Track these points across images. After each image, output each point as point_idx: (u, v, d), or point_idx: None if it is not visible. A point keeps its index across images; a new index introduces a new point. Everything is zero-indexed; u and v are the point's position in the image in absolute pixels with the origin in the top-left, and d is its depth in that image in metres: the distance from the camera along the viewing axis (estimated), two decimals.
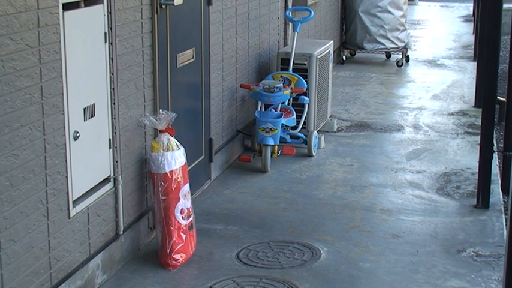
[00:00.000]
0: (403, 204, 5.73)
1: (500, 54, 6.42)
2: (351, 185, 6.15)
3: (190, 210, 4.76)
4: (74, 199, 4.04)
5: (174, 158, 4.62)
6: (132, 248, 4.76)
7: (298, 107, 6.90)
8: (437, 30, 15.37)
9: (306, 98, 6.89)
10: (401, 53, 11.46)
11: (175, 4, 4.91)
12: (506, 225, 5.19)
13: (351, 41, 11.47)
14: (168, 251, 4.60)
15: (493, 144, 5.72)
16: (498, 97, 7.11)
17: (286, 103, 6.84)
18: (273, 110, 6.64)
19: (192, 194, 4.95)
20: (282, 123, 6.55)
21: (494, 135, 5.94)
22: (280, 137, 6.53)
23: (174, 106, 5.22)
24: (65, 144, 3.91)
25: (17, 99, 3.49)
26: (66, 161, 3.93)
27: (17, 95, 3.48)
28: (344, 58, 11.52)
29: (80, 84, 4.02)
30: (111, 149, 4.42)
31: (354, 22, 11.29)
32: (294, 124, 6.81)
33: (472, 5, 16.93)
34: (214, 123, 6.06)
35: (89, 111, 4.14)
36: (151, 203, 4.71)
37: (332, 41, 8.04)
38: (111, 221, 4.48)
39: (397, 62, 11.36)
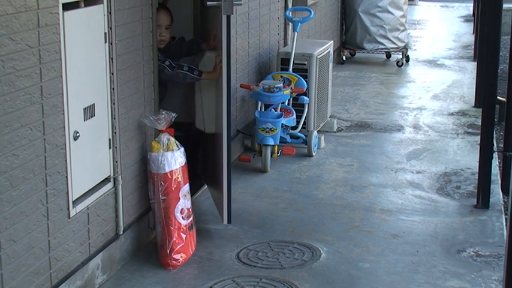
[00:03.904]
0: (403, 204, 5.73)
1: (500, 54, 6.42)
2: (351, 185, 6.15)
3: (190, 210, 4.76)
4: (74, 199, 4.04)
5: (174, 158, 4.62)
6: (132, 248, 4.76)
7: (298, 107, 6.89)
8: (437, 30, 15.37)
9: (306, 98, 6.89)
10: (401, 53, 11.46)
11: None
12: (506, 225, 5.19)
13: (351, 41, 11.47)
14: (168, 251, 4.60)
15: (493, 144, 5.72)
16: (498, 97, 7.12)
17: (286, 103, 6.84)
18: (273, 110, 6.64)
19: (192, 194, 4.95)
20: (282, 123, 6.55)
21: (494, 135, 5.94)
22: (280, 137, 6.53)
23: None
24: (65, 144, 3.91)
25: (17, 99, 3.49)
26: (66, 161, 3.93)
27: (17, 95, 3.48)
28: (344, 58, 11.52)
29: (80, 84, 4.02)
30: (111, 149, 4.42)
31: (354, 22, 11.29)
32: (294, 124, 6.81)
33: (472, 5, 16.93)
34: None
35: (89, 111, 4.14)
36: (151, 203, 4.71)
37: (332, 41, 8.04)
38: (111, 221, 4.48)
39: (397, 62, 11.36)
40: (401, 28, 11.33)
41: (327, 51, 7.56)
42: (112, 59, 4.34)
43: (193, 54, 5.43)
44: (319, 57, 7.22)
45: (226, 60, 4.67)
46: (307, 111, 6.99)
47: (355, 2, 11.23)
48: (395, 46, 11.33)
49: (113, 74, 4.36)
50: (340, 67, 11.12)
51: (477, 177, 5.78)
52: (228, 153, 4.77)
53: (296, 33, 7.20)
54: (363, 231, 5.24)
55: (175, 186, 4.61)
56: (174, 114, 4.68)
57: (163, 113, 4.67)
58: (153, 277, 4.52)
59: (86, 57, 4.10)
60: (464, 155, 6.95)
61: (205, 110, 5.11)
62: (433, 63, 11.72)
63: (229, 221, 4.90)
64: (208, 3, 4.68)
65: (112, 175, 4.45)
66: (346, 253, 4.87)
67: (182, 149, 4.71)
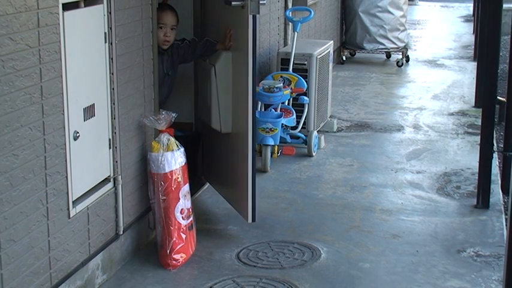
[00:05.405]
0: (403, 204, 5.73)
1: (500, 54, 6.42)
2: (351, 185, 6.14)
3: (190, 210, 4.76)
4: (74, 199, 4.04)
5: (174, 158, 4.62)
6: (132, 248, 4.76)
7: (298, 107, 6.90)
8: (437, 30, 15.37)
9: (306, 98, 6.90)
10: (401, 53, 11.46)
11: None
12: (506, 225, 5.19)
13: (351, 41, 11.48)
14: (168, 251, 4.60)
15: (493, 144, 5.72)
16: (498, 97, 7.11)
17: (286, 103, 6.84)
18: (273, 110, 6.64)
19: (192, 194, 4.95)
20: (282, 123, 6.55)
21: (494, 135, 5.94)
22: (280, 137, 6.53)
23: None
24: (65, 144, 3.91)
25: (17, 99, 3.49)
26: (66, 161, 3.93)
27: (17, 95, 3.48)
28: (344, 58, 11.52)
29: (80, 84, 4.02)
30: (111, 149, 4.42)
31: (354, 22, 11.30)
32: (294, 124, 6.81)
33: (472, 5, 16.94)
34: None
35: (89, 111, 4.14)
36: (151, 203, 4.71)
37: (332, 41, 8.04)
38: (111, 221, 4.48)
39: (397, 62, 11.37)
40: (401, 28, 11.33)
41: (327, 51, 7.56)
42: (112, 59, 4.34)
43: (207, 56, 5.37)
44: (319, 57, 7.22)
45: (252, 60, 4.67)
46: (307, 111, 6.99)
47: (355, 2, 11.24)
48: (395, 46, 11.34)
49: (113, 74, 4.36)
50: (340, 67, 11.12)
51: (477, 177, 5.78)
52: (253, 152, 4.81)
53: (296, 33, 7.20)
54: (363, 231, 5.23)
55: (175, 186, 4.61)
56: (174, 114, 4.68)
57: (163, 113, 4.67)
58: (153, 277, 4.52)
59: (86, 57, 4.10)
60: (464, 155, 6.95)
61: (221, 110, 5.11)
62: (433, 63, 11.72)
63: (253, 220, 4.92)
64: (233, 3, 4.68)
65: (112, 175, 4.45)
66: (346, 253, 4.87)
67: (182, 149, 4.71)
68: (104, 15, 4.24)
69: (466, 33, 14.95)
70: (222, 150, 5.39)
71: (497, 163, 6.62)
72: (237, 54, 4.99)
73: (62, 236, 3.94)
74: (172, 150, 4.63)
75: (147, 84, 4.81)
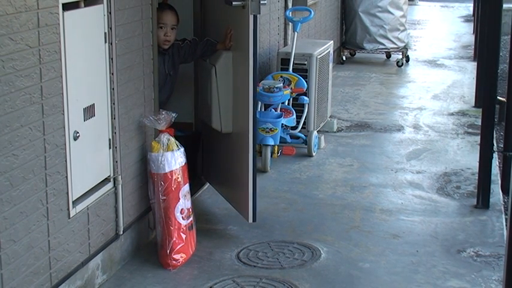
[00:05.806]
0: (403, 204, 5.73)
1: (500, 54, 6.42)
2: (351, 185, 6.14)
3: (190, 210, 4.76)
4: (74, 199, 4.04)
5: (174, 158, 4.62)
6: (132, 248, 4.76)
7: (298, 107, 6.90)
8: (437, 30, 15.38)
9: (306, 98, 6.90)
10: (401, 53, 11.46)
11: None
12: (506, 225, 5.19)
13: (351, 41, 11.48)
14: (168, 251, 4.60)
15: (493, 144, 5.72)
16: (498, 97, 7.11)
17: (286, 103, 6.84)
18: (273, 110, 6.64)
19: (192, 194, 4.95)
20: (282, 123, 6.55)
21: (494, 135, 5.94)
22: (280, 137, 6.53)
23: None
24: (65, 144, 3.91)
25: (17, 99, 3.49)
26: (66, 161, 3.93)
27: (17, 95, 3.48)
28: (344, 58, 11.52)
29: (80, 84, 4.02)
30: (111, 149, 4.42)
31: (354, 22, 11.30)
32: (294, 124, 6.81)
33: (472, 5, 16.94)
34: None
35: (89, 111, 4.14)
36: (151, 203, 4.71)
37: (332, 41, 8.04)
38: (111, 221, 4.48)
39: (397, 62, 11.37)
40: (401, 28, 11.33)
41: (327, 51, 7.56)
42: (112, 59, 4.34)
43: (207, 56, 5.37)
44: (319, 57, 7.22)
45: (252, 60, 4.68)
46: (307, 111, 6.99)
47: (355, 2, 11.24)
48: (395, 46, 11.34)
49: (113, 74, 4.36)
50: (340, 67, 11.12)
51: (477, 177, 5.78)
52: (254, 152, 4.82)
53: (296, 33, 7.20)
54: (363, 231, 5.23)
55: (175, 186, 4.61)
56: (174, 114, 4.68)
57: (163, 113, 4.67)
58: (153, 277, 4.52)
59: (86, 57, 4.10)
60: (464, 155, 6.95)
61: (222, 110, 5.12)
62: (433, 63, 11.72)
63: (254, 220, 4.93)
64: (234, 3, 4.69)
65: (112, 175, 4.45)
66: (346, 253, 4.87)
67: (182, 149, 4.71)
68: (104, 15, 4.24)
69: (466, 33, 14.96)
70: (222, 150, 5.39)
71: (497, 163, 6.62)
72: (237, 54, 4.99)
73: (62, 236, 3.94)
74: (172, 150, 4.63)
75: (147, 84, 4.81)
